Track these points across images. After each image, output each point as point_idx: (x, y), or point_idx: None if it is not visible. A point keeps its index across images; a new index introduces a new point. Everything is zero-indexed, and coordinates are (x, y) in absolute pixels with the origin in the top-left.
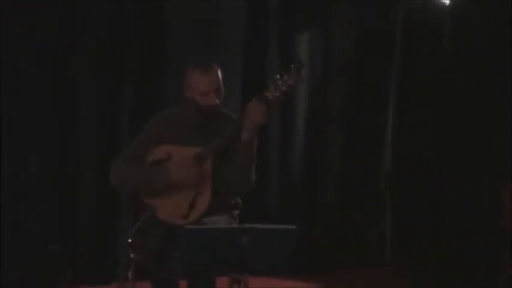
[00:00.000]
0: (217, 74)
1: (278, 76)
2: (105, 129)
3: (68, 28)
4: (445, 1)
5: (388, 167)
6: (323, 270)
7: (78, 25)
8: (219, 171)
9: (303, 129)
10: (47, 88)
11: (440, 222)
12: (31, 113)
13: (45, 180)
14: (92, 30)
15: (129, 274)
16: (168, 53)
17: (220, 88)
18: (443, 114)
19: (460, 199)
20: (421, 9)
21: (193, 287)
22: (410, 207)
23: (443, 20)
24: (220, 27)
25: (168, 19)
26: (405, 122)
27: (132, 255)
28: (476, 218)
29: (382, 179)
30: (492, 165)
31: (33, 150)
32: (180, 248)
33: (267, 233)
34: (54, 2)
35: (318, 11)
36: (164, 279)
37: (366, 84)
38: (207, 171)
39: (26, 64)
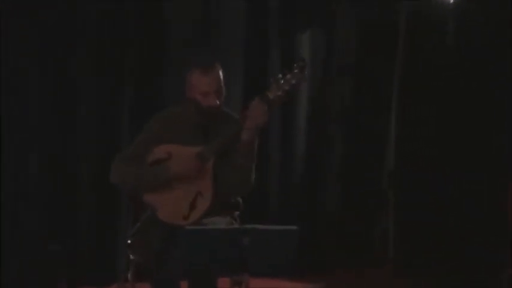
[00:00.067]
0: (219, 74)
1: (280, 75)
2: (105, 129)
3: (68, 28)
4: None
5: (391, 166)
6: (323, 270)
7: (78, 25)
8: (220, 172)
9: (304, 129)
10: (47, 88)
11: (441, 222)
12: (31, 113)
13: (45, 180)
14: (92, 30)
15: (129, 275)
16: (168, 53)
17: (221, 88)
18: (445, 113)
19: (460, 199)
20: (424, 7)
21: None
22: (413, 206)
23: (446, 18)
24: (220, 27)
25: (168, 19)
26: (407, 120)
27: (131, 256)
28: (476, 217)
29: (385, 177)
30: (492, 165)
31: (33, 150)
32: (180, 248)
33: (268, 233)
34: (54, 2)
35: (319, 10)
36: (164, 279)
37: (367, 84)
38: (207, 172)
39: (26, 64)
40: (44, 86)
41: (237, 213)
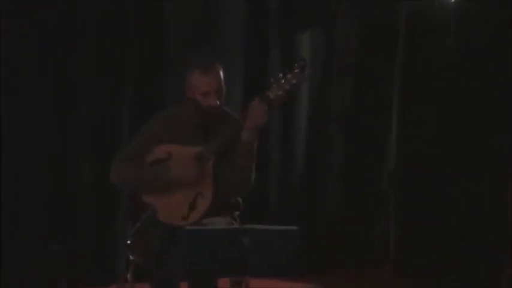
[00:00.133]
0: (219, 74)
1: (281, 75)
2: (105, 129)
3: (68, 28)
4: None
5: (391, 166)
6: (323, 270)
7: (78, 25)
8: (220, 172)
9: (304, 129)
10: (47, 88)
11: (441, 222)
12: (31, 113)
13: (45, 180)
14: (92, 30)
15: (128, 276)
16: (168, 53)
17: (222, 88)
18: (445, 113)
19: (460, 199)
20: (424, 7)
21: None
22: (413, 206)
23: (446, 18)
24: (220, 27)
25: (168, 19)
26: (407, 120)
27: (131, 256)
28: (476, 217)
29: (385, 177)
30: (492, 165)
31: (33, 150)
32: (180, 248)
33: (268, 233)
34: (54, 2)
35: (319, 10)
36: (164, 280)
37: (367, 83)
38: (207, 172)
39: (26, 64)
40: (44, 86)
41: (237, 213)
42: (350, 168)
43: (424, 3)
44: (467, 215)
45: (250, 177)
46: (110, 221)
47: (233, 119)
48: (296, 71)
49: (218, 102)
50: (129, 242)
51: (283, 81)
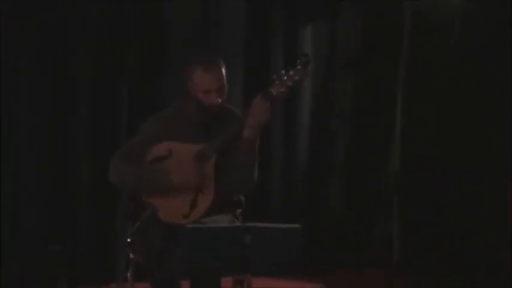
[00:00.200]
0: (221, 71)
1: (283, 71)
2: (105, 130)
3: (68, 28)
4: None
5: (394, 164)
6: (325, 268)
7: (78, 25)
8: (222, 170)
9: (307, 126)
10: (47, 88)
11: (442, 222)
12: (31, 113)
13: (45, 180)
14: (92, 30)
15: (128, 275)
16: (168, 53)
17: (224, 86)
18: (445, 113)
19: (460, 199)
20: (426, 6)
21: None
22: (413, 206)
23: (448, 17)
24: (220, 27)
25: (168, 19)
26: (410, 119)
27: (131, 255)
28: (476, 217)
29: (388, 175)
30: (492, 165)
31: (33, 150)
32: (181, 247)
33: (271, 232)
34: (54, 2)
35: (323, 6)
36: (165, 278)
37: (371, 80)
38: (209, 170)
39: (26, 64)
40: (44, 86)
41: (239, 211)
42: (353, 165)
43: (426, 2)
44: (467, 215)
45: (253, 175)
46: (110, 220)
47: (235, 116)
48: (299, 67)
49: (220, 100)
50: (129, 240)
51: (285, 77)
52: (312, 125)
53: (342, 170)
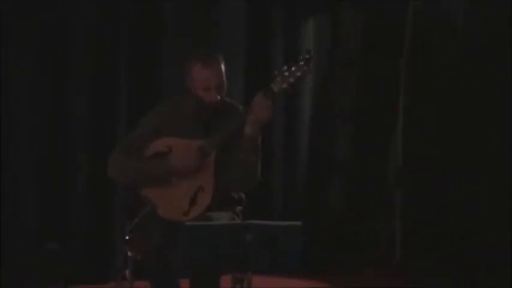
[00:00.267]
0: (220, 67)
1: (285, 67)
2: (104, 130)
3: (68, 28)
4: None
5: (396, 163)
6: (325, 267)
7: (78, 25)
8: (222, 167)
9: (308, 124)
10: (47, 88)
11: (442, 222)
12: (31, 113)
13: (44, 179)
14: (91, 30)
15: (127, 273)
16: (168, 52)
17: (223, 83)
18: (445, 112)
19: (460, 199)
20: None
21: (197, 286)
22: (413, 206)
23: (453, 15)
24: (220, 27)
25: (168, 19)
26: (412, 116)
27: (129, 253)
28: (476, 217)
29: (390, 174)
30: (492, 165)
31: (32, 150)
32: (181, 244)
33: (272, 229)
34: (54, 2)
35: (323, 5)
36: (165, 276)
37: (372, 80)
38: (209, 166)
39: (26, 64)
40: (44, 86)
41: (239, 208)
42: (353, 165)
43: (427, 2)
44: (467, 215)
45: (254, 172)
46: (108, 219)
47: (236, 111)
48: (301, 63)
49: (218, 98)
50: (127, 238)
51: (287, 73)
52: (312, 125)
53: (342, 169)
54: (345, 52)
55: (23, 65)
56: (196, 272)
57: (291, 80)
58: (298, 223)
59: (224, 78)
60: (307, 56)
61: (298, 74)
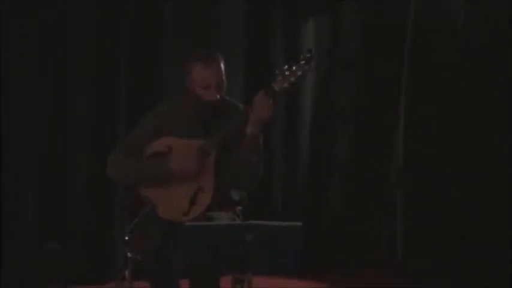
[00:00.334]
0: (220, 66)
1: (286, 66)
2: (104, 130)
3: (68, 28)
4: None
5: (397, 163)
6: (325, 267)
7: (78, 25)
8: (222, 166)
9: (308, 124)
10: (47, 88)
11: (442, 222)
12: (31, 113)
13: (44, 179)
14: (92, 30)
15: (126, 273)
16: (168, 52)
17: (222, 82)
18: (447, 112)
19: (460, 199)
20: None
21: (197, 286)
22: (413, 206)
23: (457, 13)
24: (220, 27)
25: (168, 19)
26: (412, 118)
27: (129, 253)
28: (476, 217)
29: (390, 174)
30: (492, 165)
31: (32, 150)
32: (181, 245)
33: (272, 229)
34: (54, 2)
35: (323, 5)
36: (164, 276)
37: (372, 80)
38: (209, 166)
39: (26, 64)
40: (44, 86)
41: (239, 208)
42: (353, 165)
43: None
44: (467, 215)
45: (256, 171)
46: (109, 219)
47: (237, 110)
48: (302, 62)
49: (218, 97)
50: (127, 238)
51: (288, 73)
52: (312, 125)
53: (342, 169)
54: (345, 52)
55: (23, 65)
56: (196, 272)
57: (292, 79)
58: (299, 223)
59: (224, 78)
60: (308, 55)
61: (299, 73)
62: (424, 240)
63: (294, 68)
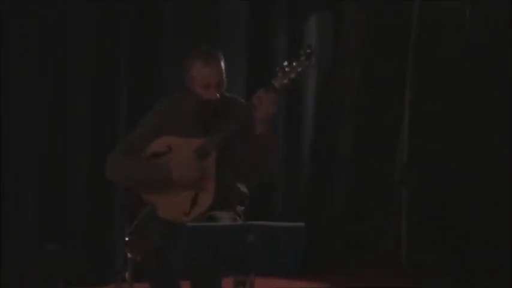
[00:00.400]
0: (220, 64)
1: (286, 63)
2: (104, 130)
3: (68, 28)
4: None
5: (401, 161)
6: (326, 267)
7: (78, 25)
8: (224, 165)
9: (310, 122)
10: (47, 88)
11: (442, 222)
12: (31, 113)
13: (44, 179)
14: (91, 30)
15: (127, 275)
16: (168, 53)
17: (222, 80)
18: (451, 109)
19: (460, 199)
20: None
21: (197, 287)
22: (413, 206)
23: (463, 10)
24: (220, 27)
25: (168, 19)
26: (416, 114)
27: (129, 254)
28: (476, 217)
29: (393, 174)
30: (492, 165)
31: (32, 150)
32: (181, 245)
33: (274, 230)
34: (54, 2)
35: (325, 1)
36: (165, 277)
37: (375, 77)
38: (210, 166)
39: (26, 64)
40: (44, 86)
41: (241, 208)
42: (354, 165)
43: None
44: (467, 215)
45: (262, 169)
46: (108, 220)
47: (238, 107)
48: (302, 58)
49: (218, 96)
50: (127, 239)
51: (288, 69)
52: (314, 123)
53: (343, 169)
54: (349, 48)
55: (23, 65)
56: (196, 273)
57: (292, 75)
58: (302, 224)
59: (224, 76)
60: (308, 51)
61: (300, 69)
62: (423, 241)
63: (294, 64)
